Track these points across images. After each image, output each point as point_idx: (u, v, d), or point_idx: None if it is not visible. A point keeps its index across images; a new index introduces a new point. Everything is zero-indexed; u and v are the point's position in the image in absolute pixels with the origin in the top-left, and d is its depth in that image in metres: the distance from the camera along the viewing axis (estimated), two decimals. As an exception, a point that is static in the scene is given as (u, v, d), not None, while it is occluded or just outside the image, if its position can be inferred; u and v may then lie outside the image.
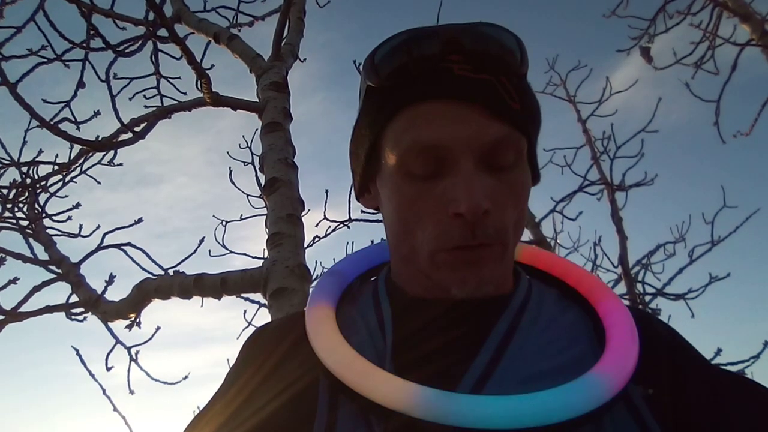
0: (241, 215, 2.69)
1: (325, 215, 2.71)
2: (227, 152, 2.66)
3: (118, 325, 2.39)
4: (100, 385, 2.40)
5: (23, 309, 2.50)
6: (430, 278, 0.54)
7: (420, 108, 0.52)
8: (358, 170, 0.61)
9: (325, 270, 0.65)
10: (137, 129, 2.24)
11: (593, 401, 0.45)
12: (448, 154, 0.50)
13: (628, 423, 0.47)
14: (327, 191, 2.68)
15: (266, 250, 1.76)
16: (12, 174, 2.95)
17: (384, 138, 0.55)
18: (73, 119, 2.40)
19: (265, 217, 1.89)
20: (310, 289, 1.62)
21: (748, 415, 0.49)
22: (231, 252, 2.62)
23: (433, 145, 0.50)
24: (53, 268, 2.68)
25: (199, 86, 2.10)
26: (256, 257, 2.64)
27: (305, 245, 1.80)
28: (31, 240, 2.78)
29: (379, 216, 0.63)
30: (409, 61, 0.52)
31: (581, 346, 0.52)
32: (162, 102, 2.46)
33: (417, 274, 0.56)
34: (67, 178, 2.93)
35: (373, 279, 0.64)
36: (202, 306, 2.05)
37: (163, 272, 2.29)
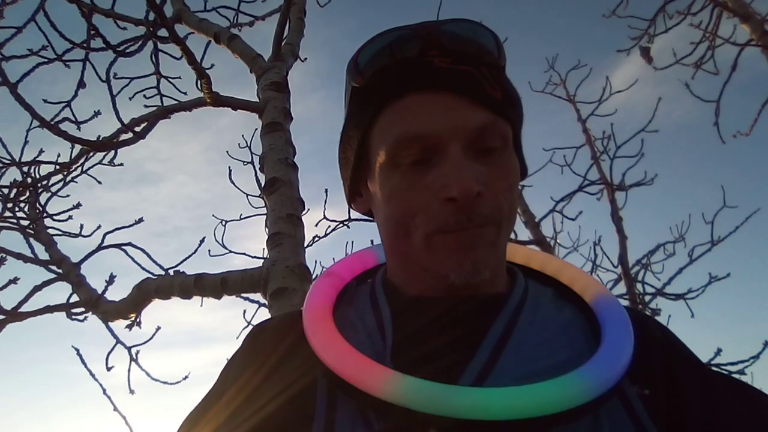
0: (241, 215, 2.70)
1: (324, 215, 2.73)
2: (227, 152, 2.67)
3: (119, 325, 2.40)
4: (101, 385, 2.40)
5: (24, 309, 2.49)
6: (426, 269, 0.54)
7: (404, 101, 0.53)
8: (348, 174, 0.61)
9: (324, 270, 0.65)
10: (137, 129, 2.24)
11: (589, 392, 0.45)
12: (436, 143, 0.51)
13: (623, 420, 0.47)
14: (327, 191, 2.69)
15: (266, 250, 1.76)
16: (13, 173, 2.97)
17: (371, 136, 0.56)
18: (73, 119, 2.41)
19: (265, 216, 1.89)
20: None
21: (742, 417, 0.49)
22: (231, 252, 2.62)
23: (421, 135, 0.51)
24: (54, 267, 2.68)
25: (199, 86, 2.10)
26: (256, 257, 2.66)
27: (305, 245, 1.81)
28: (31, 240, 2.79)
29: (378, 216, 0.63)
30: (392, 62, 0.54)
31: (578, 343, 0.53)
32: (162, 102, 2.46)
33: (415, 270, 0.57)
34: (68, 178, 2.94)
35: (369, 281, 0.64)
36: (202, 306, 2.05)
37: (163, 272, 2.30)
